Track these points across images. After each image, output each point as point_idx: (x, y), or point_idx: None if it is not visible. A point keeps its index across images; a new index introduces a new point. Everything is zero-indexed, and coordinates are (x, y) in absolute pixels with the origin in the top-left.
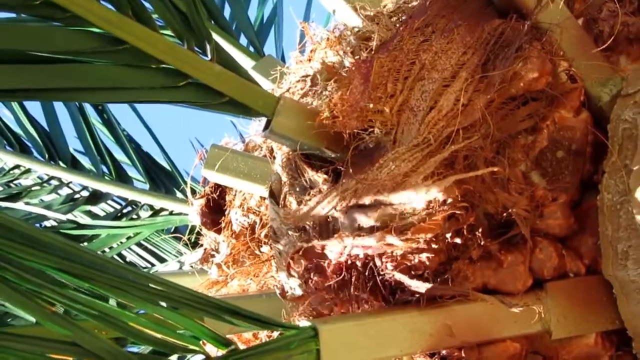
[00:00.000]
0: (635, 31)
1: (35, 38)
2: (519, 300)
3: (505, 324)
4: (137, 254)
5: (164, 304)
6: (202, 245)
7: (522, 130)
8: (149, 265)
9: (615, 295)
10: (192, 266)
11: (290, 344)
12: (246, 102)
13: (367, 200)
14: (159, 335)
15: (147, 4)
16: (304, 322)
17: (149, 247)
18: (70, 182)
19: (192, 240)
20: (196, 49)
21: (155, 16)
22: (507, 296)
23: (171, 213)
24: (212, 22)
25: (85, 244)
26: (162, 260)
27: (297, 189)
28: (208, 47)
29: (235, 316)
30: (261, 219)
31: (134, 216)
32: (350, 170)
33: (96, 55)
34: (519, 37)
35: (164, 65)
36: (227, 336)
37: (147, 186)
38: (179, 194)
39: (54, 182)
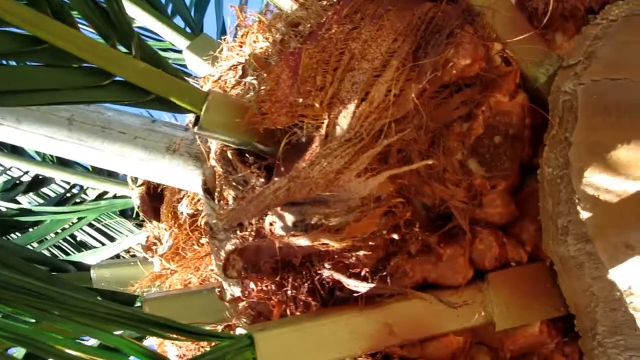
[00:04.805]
0: (570, 7)
1: None
2: (461, 293)
3: (447, 318)
4: (88, 234)
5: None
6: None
7: (457, 118)
8: (100, 245)
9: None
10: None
11: (226, 355)
12: (173, 98)
13: (300, 198)
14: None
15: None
16: (239, 330)
17: (99, 226)
18: (11, 167)
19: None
20: (119, 45)
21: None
22: (448, 289)
23: (115, 196)
24: (144, 0)
25: (30, 230)
26: (112, 239)
27: (233, 183)
28: (132, 43)
29: (166, 329)
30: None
31: (78, 200)
32: (282, 168)
33: (15, 56)
34: (450, 22)
35: (86, 64)
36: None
37: (89, 168)
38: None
39: None
